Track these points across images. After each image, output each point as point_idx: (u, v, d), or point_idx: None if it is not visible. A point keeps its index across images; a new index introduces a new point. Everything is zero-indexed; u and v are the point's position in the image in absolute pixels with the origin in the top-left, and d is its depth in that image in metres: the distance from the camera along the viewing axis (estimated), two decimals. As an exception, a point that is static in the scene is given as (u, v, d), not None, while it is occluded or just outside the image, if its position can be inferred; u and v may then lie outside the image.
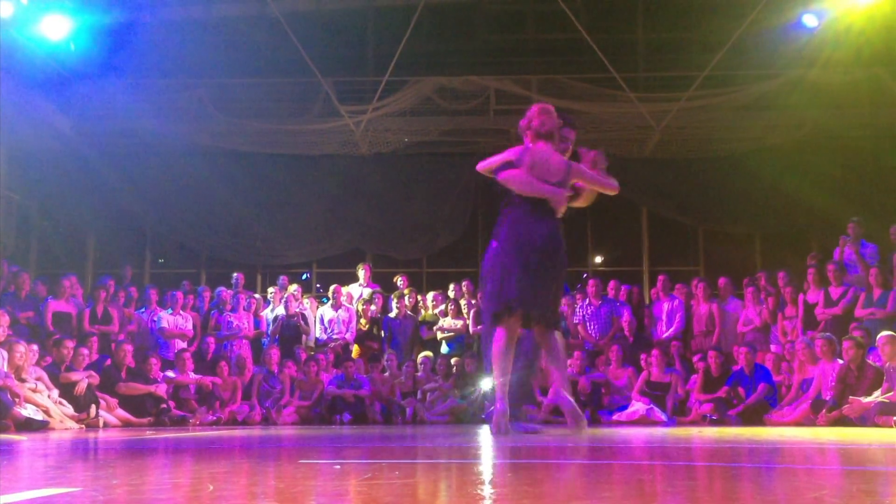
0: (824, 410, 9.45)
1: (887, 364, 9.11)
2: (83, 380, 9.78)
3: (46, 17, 12.47)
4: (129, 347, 10.73)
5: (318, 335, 12.80)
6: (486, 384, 7.07)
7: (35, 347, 9.75)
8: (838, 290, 10.94)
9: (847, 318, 10.69)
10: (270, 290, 13.32)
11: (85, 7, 12.95)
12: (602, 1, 16.09)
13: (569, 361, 11.65)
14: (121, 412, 10.11)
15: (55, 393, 9.47)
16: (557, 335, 5.98)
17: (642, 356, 11.35)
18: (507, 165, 6.01)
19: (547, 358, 6.16)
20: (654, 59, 16.09)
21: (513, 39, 16.79)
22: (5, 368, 9.02)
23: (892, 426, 8.24)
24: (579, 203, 6.41)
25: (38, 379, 9.40)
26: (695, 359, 11.30)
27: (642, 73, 15.59)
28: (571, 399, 5.85)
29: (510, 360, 5.96)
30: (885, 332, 9.29)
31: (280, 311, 12.66)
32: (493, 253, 5.97)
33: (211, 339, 11.95)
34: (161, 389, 10.51)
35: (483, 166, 6.21)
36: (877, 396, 8.96)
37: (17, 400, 8.75)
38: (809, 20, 13.03)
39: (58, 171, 14.71)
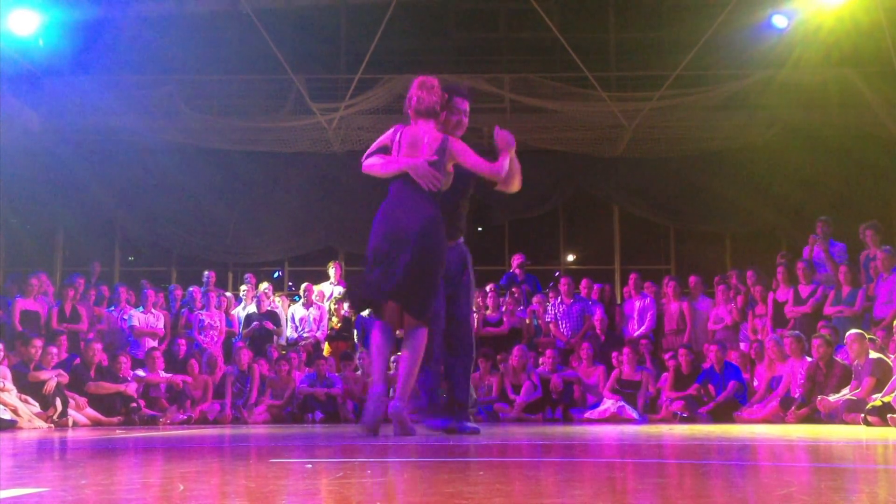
0: (793, 408, 9.55)
1: (855, 362, 9.21)
2: (52, 378, 9.68)
3: (14, 12, 12.32)
4: (98, 346, 10.61)
5: (289, 334, 12.75)
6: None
7: (0, 346, 9.63)
8: (808, 288, 11.04)
9: (816, 316, 10.79)
10: (242, 287, 13.24)
11: (54, 2, 12.81)
12: (574, 0, 16.16)
13: (541, 360, 11.71)
14: (90, 411, 10.01)
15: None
16: (422, 334, 5.48)
17: (614, 354, 11.39)
18: (383, 150, 5.54)
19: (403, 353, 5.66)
20: (625, 59, 16.17)
21: (485, 38, 16.82)
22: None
23: (859, 423, 8.32)
24: (504, 187, 5.71)
25: (4, 378, 9.29)
26: (665, 357, 11.35)
27: (614, 73, 15.68)
28: (399, 407, 5.45)
29: (387, 352, 5.81)
30: (853, 330, 9.39)
31: (252, 309, 12.59)
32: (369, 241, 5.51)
33: (182, 341, 11.86)
34: (131, 388, 10.41)
35: (364, 162, 5.61)
36: (845, 394, 9.06)
37: (-16, 399, 8.65)
38: (779, 21, 13.15)
39: (26, 168, 14.52)
